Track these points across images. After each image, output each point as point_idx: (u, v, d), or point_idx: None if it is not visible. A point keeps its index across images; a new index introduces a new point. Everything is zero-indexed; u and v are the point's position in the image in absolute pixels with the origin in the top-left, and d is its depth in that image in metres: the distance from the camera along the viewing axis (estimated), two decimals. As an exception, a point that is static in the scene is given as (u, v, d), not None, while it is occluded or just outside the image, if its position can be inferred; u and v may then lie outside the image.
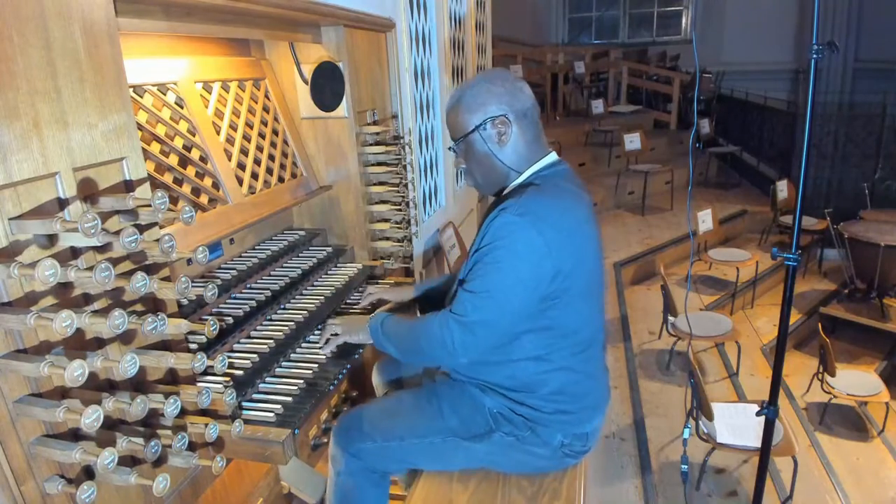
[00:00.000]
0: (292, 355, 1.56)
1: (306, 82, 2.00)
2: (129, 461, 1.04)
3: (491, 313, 1.27)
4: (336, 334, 1.55)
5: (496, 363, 1.38)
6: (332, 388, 1.45)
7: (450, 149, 1.49)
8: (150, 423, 1.07)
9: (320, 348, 1.56)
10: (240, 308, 1.61)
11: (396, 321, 1.46)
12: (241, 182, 1.79)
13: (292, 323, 1.65)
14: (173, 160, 1.57)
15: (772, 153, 7.42)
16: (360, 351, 1.61)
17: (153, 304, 1.10)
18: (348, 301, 1.91)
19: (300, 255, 2.04)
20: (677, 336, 3.80)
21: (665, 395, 3.56)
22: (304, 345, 1.62)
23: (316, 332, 1.68)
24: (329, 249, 2.11)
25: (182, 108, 1.65)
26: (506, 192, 1.42)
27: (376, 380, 1.82)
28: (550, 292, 1.29)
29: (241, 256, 1.87)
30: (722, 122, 8.77)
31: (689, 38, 10.79)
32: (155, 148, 1.52)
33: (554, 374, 1.37)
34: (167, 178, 1.53)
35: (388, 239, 2.31)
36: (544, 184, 1.35)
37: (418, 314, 1.80)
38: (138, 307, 1.06)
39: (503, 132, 1.37)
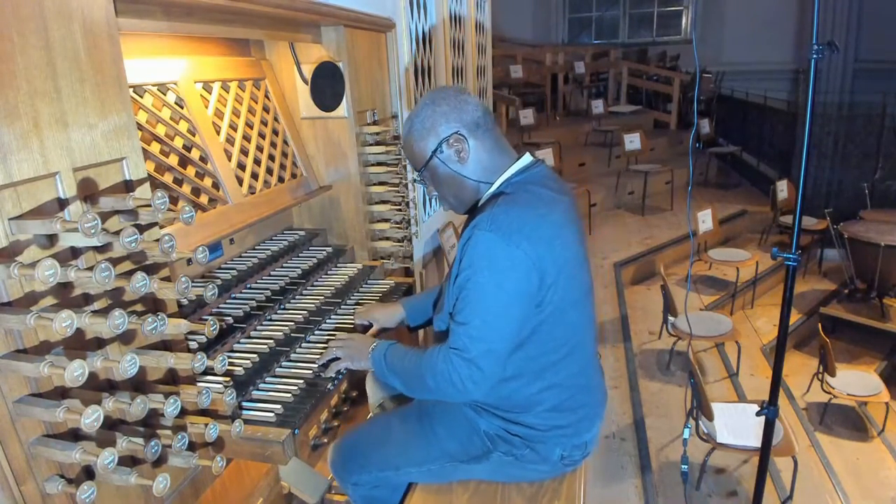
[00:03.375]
0: (292, 355, 1.56)
1: (306, 82, 2.00)
2: (129, 461, 1.04)
3: (490, 341, 1.21)
4: (337, 358, 1.47)
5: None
6: (332, 388, 1.45)
7: (415, 181, 1.44)
8: (150, 423, 1.07)
9: (322, 373, 1.47)
10: (240, 308, 1.61)
11: (400, 353, 1.38)
12: (241, 182, 1.79)
13: (292, 323, 1.65)
14: (173, 160, 1.57)
15: (772, 153, 7.42)
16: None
17: (153, 304, 1.10)
18: (348, 301, 1.91)
19: (300, 255, 2.04)
20: (677, 336, 3.80)
21: (665, 395, 3.56)
22: (304, 345, 1.62)
23: (316, 332, 1.68)
24: (329, 249, 2.11)
25: (182, 108, 1.65)
26: (479, 204, 1.36)
27: (370, 394, 1.75)
28: (536, 303, 1.24)
29: (241, 256, 1.87)
30: (722, 122, 8.77)
31: (689, 38, 10.79)
32: (155, 148, 1.52)
33: (548, 393, 1.34)
34: (167, 178, 1.53)
35: (388, 239, 2.31)
36: (515, 192, 1.29)
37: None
38: (138, 307, 1.07)
39: (461, 149, 1.31)
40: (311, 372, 1.48)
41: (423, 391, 1.34)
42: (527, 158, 1.37)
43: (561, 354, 1.33)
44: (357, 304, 1.90)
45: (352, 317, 1.74)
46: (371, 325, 1.68)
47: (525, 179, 1.33)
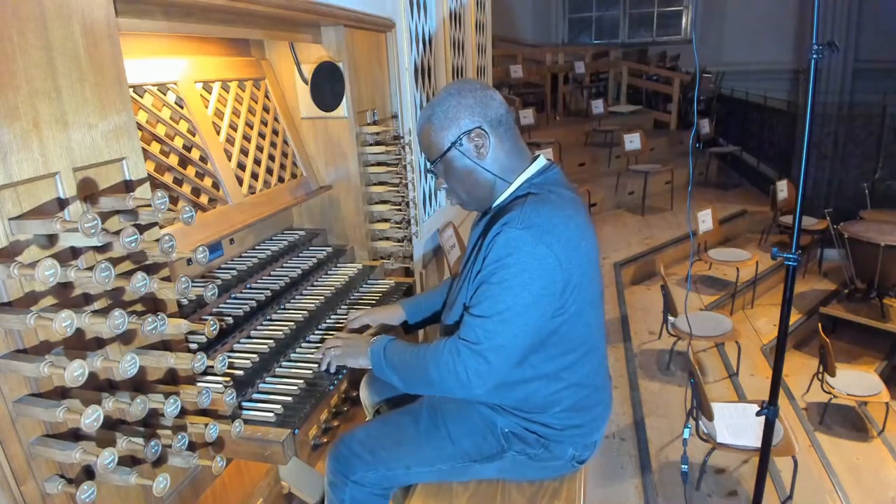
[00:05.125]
0: (292, 355, 1.56)
1: (306, 82, 2.00)
2: (129, 461, 1.04)
3: (505, 337, 1.20)
4: (335, 355, 1.46)
5: (509, 385, 1.33)
6: (332, 388, 1.45)
7: (428, 171, 1.40)
8: (150, 423, 1.07)
9: (319, 368, 1.47)
10: (240, 308, 1.61)
11: (400, 347, 1.37)
12: (241, 182, 1.79)
13: (292, 323, 1.65)
14: (173, 160, 1.57)
15: (772, 153, 7.42)
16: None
17: (153, 304, 1.10)
18: (348, 301, 1.91)
19: (300, 255, 2.04)
20: (677, 336, 3.80)
21: (665, 395, 3.56)
22: (304, 345, 1.61)
23: (316, 332, 1.68)
24: (329, 249, 2.11)
25: (182, 108, 1.65)
26: (496, 204, 1.35)
27: (366, 398, 1.73)
28: (560, 305, 1.24)
29: (241, 256, 1.87)
30: (722, 122, 8.78)
31: (689, 38, 10.80)
32: (155, 148, 1.52)
33: (566, 392, 1.34)
34: (167, 178, 1.53)
35: (388, 239, 2.31)
36: (542, 192, 1.28)
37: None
38: (138, 307, 1.06)
39: (481, 145, 1.29)
40: (311, 372, 1.48)
41: (423, 385, 1.31)
42: (542, 160, 1.36)
43: (579, 354, 1.33)
44: (352, 307, 1.88)
45: (349, 317, 1.71)
46: (369, 328, 1.66)
47: (546, 181, 1.32)
